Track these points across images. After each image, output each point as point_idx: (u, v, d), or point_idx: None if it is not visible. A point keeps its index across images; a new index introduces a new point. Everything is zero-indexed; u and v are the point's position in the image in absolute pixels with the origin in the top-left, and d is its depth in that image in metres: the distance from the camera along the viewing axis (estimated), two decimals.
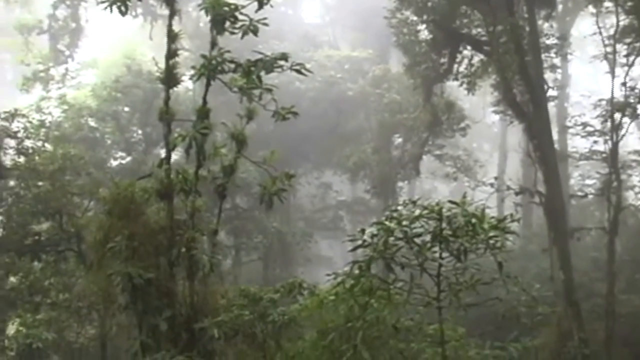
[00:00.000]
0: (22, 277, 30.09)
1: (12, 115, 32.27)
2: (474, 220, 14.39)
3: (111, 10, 20.44)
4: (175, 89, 22.00)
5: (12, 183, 30.94)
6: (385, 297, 15.79)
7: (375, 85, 52.87)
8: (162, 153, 24.07)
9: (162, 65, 21.26)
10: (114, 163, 48.77)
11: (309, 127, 50.35)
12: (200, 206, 20.97)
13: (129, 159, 49.19)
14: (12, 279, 30.35)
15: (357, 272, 15.11)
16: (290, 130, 44.67)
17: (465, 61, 36.90)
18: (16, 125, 32.48)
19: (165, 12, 22.02)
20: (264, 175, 22.08)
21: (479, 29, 34.78)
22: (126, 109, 50.19)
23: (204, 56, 20.37)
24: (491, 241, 14.37)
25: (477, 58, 36.35)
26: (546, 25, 35.91)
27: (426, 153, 48.44)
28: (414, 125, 46.02)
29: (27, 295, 29.84)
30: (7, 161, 31.19)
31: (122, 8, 20.42)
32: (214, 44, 20.36)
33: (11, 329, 30.04)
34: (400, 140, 50.26)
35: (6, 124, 31.70)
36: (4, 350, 29.10)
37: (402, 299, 15.48)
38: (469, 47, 36.16)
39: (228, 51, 20.24)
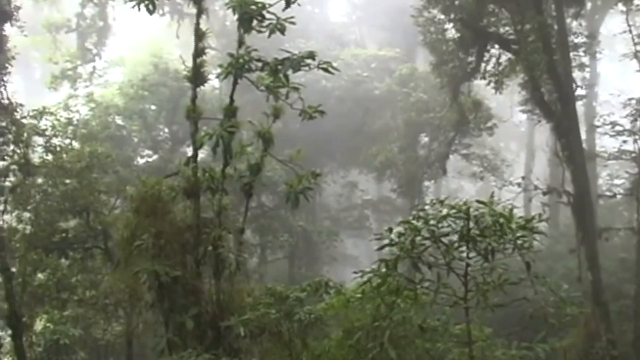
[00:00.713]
0: (50, 274, 30.29)
1: (40, 113, 32.44)
2: (501, 220, 14.34)
3: (139, 9, 20.52)
4: (202, 87, 22.01)
5: (40, 180, 31.07)
6: (412, 297, 15.72)
7: (402, 84, 52.68)
8: (189, 151, 24.22)
9: (189, 63, 21.35)
10: (141, 161, 49.15)
11: (335, 126, 50.26)
12: (226, 204, 20.98)
13: (155, 157, 49.54)
14: (40, 275, 30.56)
15: (383, 270, 15.05)
16: (316, 129, 44.61)
17: (493, 60, 36.55)
18: (44, 123, 32.66)
19: (192, 10, 22.12)
20: (290, 173, 22.09)
21: (507, 28, 34.44)
22: (153, 107, 50.58)
23: (231, 55, 20.36)
24: (519, 241, 14.31)
25: (505, 57, 35.97)
26: (575, 23, 35.64)
27: (453, 152, 48.30)
28: (440, 124, 46.00)
29: (54, 292, 30.05)
30: (35, 159, 31.33)
31: (150, 6, 20.47)
32: (241, 42, 20.35)
33: (39, 325, 30.29)
34: (426, 139, 50.18)
35: (34, 121, 31.86)
36: (31, 346, 29.34)
37: (429, 299, 15.39)
38: (496, 46, 35.84)
39: (255, 50, 20.24)
